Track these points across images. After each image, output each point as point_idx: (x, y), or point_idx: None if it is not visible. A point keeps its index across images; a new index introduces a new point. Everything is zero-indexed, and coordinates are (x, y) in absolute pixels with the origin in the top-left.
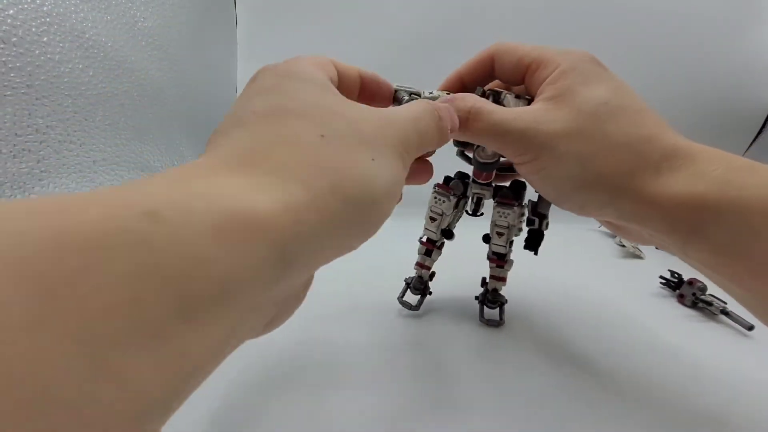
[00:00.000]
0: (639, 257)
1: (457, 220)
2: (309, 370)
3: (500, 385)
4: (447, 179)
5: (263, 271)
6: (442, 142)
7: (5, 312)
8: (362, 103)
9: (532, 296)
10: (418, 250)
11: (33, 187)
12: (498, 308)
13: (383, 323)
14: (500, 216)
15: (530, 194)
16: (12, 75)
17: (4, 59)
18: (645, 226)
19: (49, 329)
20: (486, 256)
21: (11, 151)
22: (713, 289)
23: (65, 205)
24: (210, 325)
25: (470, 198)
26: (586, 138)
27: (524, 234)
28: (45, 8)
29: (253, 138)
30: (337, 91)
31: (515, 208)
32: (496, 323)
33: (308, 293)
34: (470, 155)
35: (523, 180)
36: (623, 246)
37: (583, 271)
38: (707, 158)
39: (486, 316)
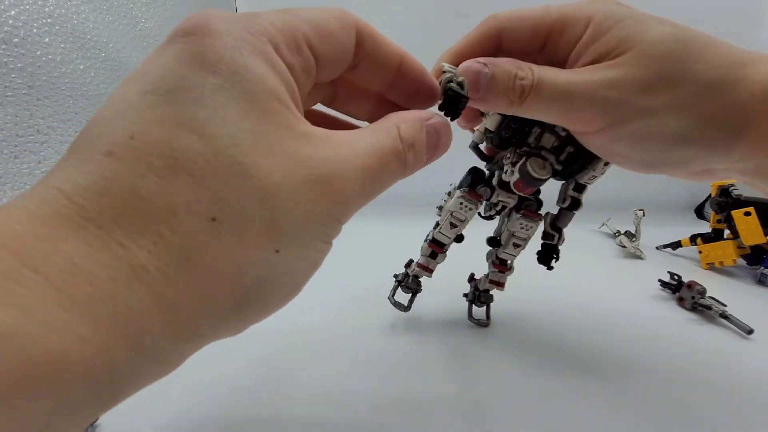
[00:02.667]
0: (639, 257)
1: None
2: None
3: (494, 389)
4: (474, 181)
5: (74, 412)
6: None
7: None
8: (394, 97)
9: (532, 297)
10: (422, 250)
11: None
12: (485, 307)
13: (370, 320)
14: (522, 228)
15: (548, 206)
16: (13, 76)
17: (5, 60)
18: (763, 163)
19: None
20: (486, 258)
21: (12, 152)
22: (712, 291)
23: None
24: None
25: (492, 204)
26: (673, 84)
27: (533, 245)
28: (47, 9)
29: (111, 195)
30: (280, 110)
31: (539, 221)
32: (485, 323)
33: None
34: (483, 149)
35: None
36: (624, 246)
37: (583, 272)
38: None
39: (476, 316)
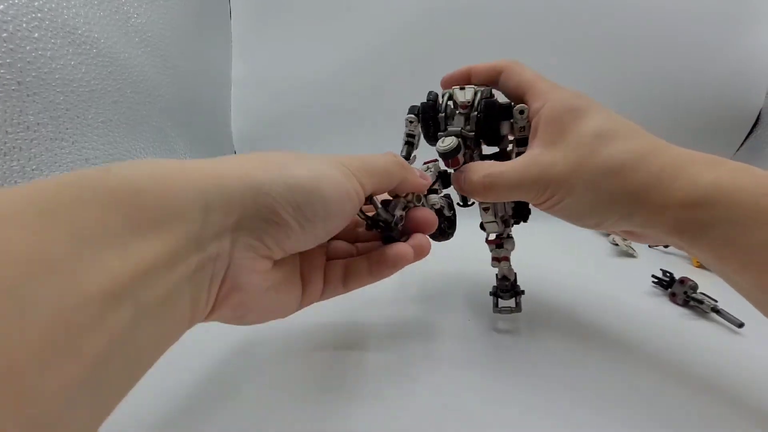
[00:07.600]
0: (632, 256)
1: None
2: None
3: (485, 388)
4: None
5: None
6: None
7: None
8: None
9: (525, 295)
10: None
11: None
12: (513, 298)
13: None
14: None
15: None
16: (2, 71)
17: None
18: (658, 232)
19: (51, 231)
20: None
21: (1, 149)
22: (704, 288)
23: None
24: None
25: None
26: (590, 169)
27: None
28: (36, 3)
29: None
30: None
31: None
32: (510, 310)
33: None
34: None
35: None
36: (616, 245)
37: (576, 269)
38: (701, 163)
39: (500, 305)
